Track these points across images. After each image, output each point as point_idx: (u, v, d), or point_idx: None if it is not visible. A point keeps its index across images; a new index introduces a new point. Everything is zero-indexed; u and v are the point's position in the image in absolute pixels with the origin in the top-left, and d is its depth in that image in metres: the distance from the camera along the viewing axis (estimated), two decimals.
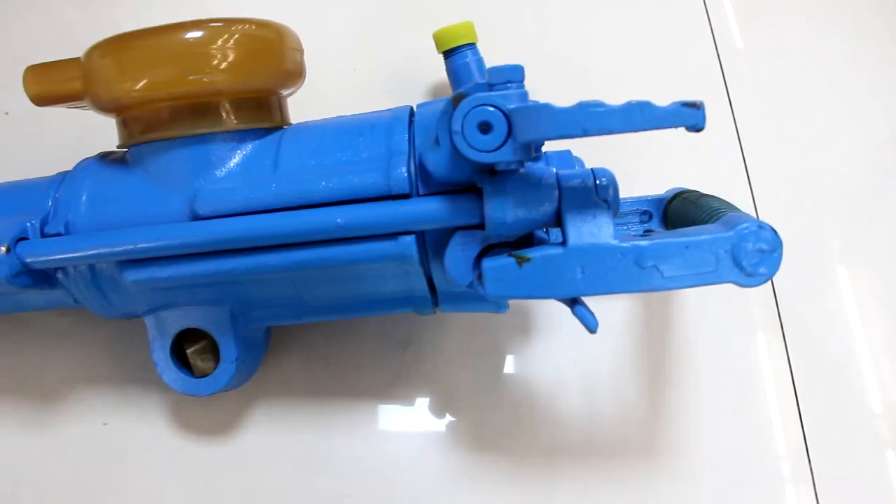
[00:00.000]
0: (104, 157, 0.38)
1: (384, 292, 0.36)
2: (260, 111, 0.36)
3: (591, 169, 0.32)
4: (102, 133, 0.47)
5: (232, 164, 0.35)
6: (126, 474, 0.41)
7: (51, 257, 0.35)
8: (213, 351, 0.38)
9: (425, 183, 0.33)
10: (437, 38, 0.46)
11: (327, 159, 0.34)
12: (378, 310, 0.37)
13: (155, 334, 0.38)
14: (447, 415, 0.40)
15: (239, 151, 0.35)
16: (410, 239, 0.33)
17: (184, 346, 0.38)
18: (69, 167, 0.47)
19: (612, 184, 0.32)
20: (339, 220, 0.32)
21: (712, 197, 0.37)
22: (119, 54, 0.35)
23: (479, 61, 0.45)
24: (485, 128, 0.30)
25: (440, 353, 0.42)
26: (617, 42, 0.50)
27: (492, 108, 0.30)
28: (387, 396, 0.41)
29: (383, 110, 0.37)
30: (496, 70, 0.30)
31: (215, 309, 0.37)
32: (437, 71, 0.49)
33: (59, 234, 0.36)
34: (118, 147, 0.38)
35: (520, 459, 0.40)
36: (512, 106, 0.29)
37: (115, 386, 0.42)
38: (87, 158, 0.39)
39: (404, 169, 0.33)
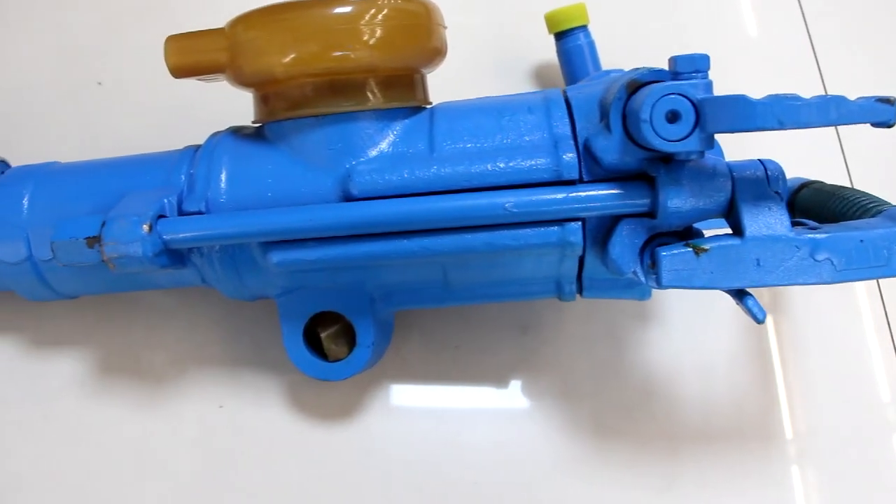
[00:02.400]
0: (238, 133, 0.37)
1: (533, 277, 0.36)
2: (405, 89, 0.36)
3: (759, 160, 0.33)
4: (195, 105, 0.46)
5: (384, 145, 0.35)
6: (243, 458, 0.40)
7: (194, 236, 0.33)
8: (346, 335, 0.37)
9: (589, 169, 0.33)
10: (549, 20, 0.46)
11: (487, 142, 0.34)
12: (521, 294, 0.38)
13: (287, 317, 0.37)
14: (567, 401, 0.41)
15: (389, 131, 0.35)
16: (577, 226, 0.33)
17: (316, 329, 0.37)
18: (162, 138, 0.46)
19: (783, 175, 0.32)
20: (507, 205, 0.32)
21: (850, 189, 0.38)
22: (267, 27, 0.34)
23: (591, 44, 0.45)
24: (673, 117, 0.30)
25: (558, 339, 0.42)
26: (710, 27, 0.50)
27: (681, 98, 0.30)
28: (507, 381, 0.41)
29: (529, 93, 0.37)
30: (684, 59, 0.30)
31: (354, 292, 0.37)
32: (540, 51, 0.48)
33: (199, 213, 0.35)
34: (254, 122, 0.37)
35: (639, 446, 0.40)
36: (701, 96, 0.30)
37: (227, 368, 0.42)
38: (217, 133, 0.38)
39: (573, 154, 0.33)
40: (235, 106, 0.47)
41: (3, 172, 0.44)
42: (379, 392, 0.41)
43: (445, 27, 0.37)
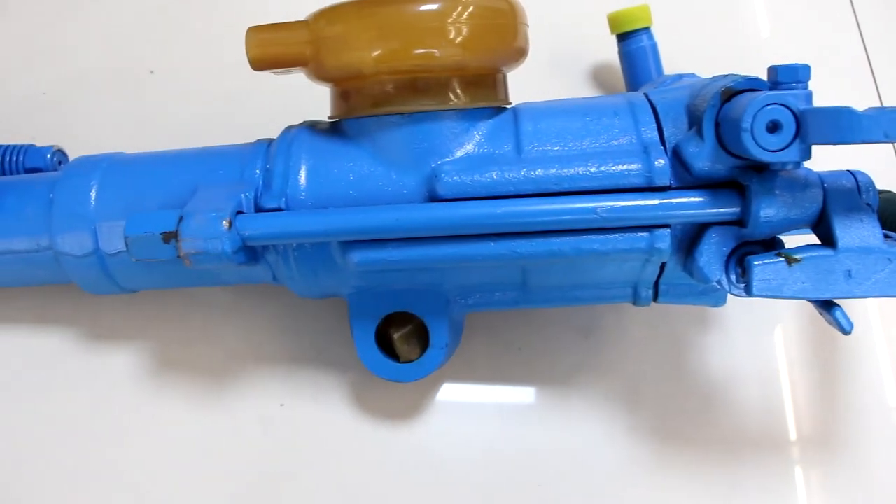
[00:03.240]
0: (313, 128, 0.37)
1: (612, 282, 0.36)
2: (488, 89, 0.35)
3: (848, 171, 0.33)
4: (246, 94, 0.45)
5: (469, 145, 0.34)
6: (305, 458, 0.40)
7: (275, 233, 0.33)
8: (418, 336, 0.37)
9: (677, 175, 0.33)
10: (612, 20, 0.45)
11: (575, 145, 0.34)
12: (597, 299, 0.37)
13: (359, 317, 0.37)
14: (629, 405, 0.41)
15: (475, 131, 0.34)
16: (666, 232, 0.33)
17: (388, 329, 0.37)
18: (213, 127, 0.46)
19: (874, 186, 0.32)
20: (600, 210, 0.32)
21: None
22: (353, 22, 0.33)
23: (654, 46, 0.45)
24: (774, 127, 0.30)
25: (621, 342, 0.42)
26: (764, 30, 0.50)
27: (783, 108, 0.29)
28: (571, 384, 0.41)
29: (610, 95, 0.37)
30: (787, 69, 0.30)
31: (431, 293, 0.36)
32: (597, 51, 0.48)
33: (278, 209, 0.34)
34: (331, 118, 0.36)
35: (701, 451, 0.40)
36: (803, 107, 0.29)
37: (287, 366, 0.41)
38: (292, 128, 0.37)
39: (665, 160, 0.32)
40: (287, 96, 0.47)
41: (60, 162, 0.43)
42: (442, 392, 0.41)
43: (528, 25, 0.36)
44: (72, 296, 0.43)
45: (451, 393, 0.41)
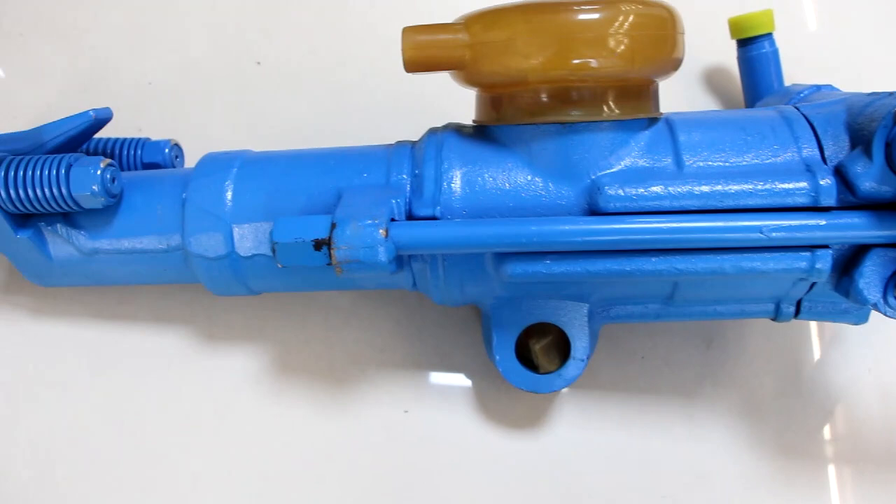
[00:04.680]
0: (460, 132, 0.36)
1: (758, 297, 0.36)
2: (643, 100, 0.35)
3: None
4: (352, 86, 0.45)
5: (628, 158, 0.34)
6: (430, 465, 0.40)
7: (433, 243, 0.32)
8: (557, 347, 0.37)
9: (840, 195, 0.32)
10: (734, 25, 0.45)
11: (736, 160, 0.33)
12: (739, 314, 0.37)
13: (500, 326, 0.36)
14: (750, 418, 0.41)
15: (632, 143, 0.34)
16: (828, 252, 0.33)
17: (528, 340, 0.36)
18: (320, 119, 0.45)
19: None
20: (764, 229, 0.31)
21: None
22: (511, 29, 0.33)
23: (776, 53, 0.45)
24: None
25: (741, 354, 0.42)
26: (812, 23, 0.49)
27: None
28: (693, 395, 0.41)
29: (761, 108, 0.37)
30: None
31: (574, 304, 0.36)
32: (713, 55, 0.47)
33: (432, 218, 0.34)
34: (478, 122, 0.36)
35: (823, 468, 0.40)
36: None
37: (410, 371, 0.41)
38: (436, 131, 0.37)
39: (830, 180, 0.32)
40: (393, 91, 0.46)
41: (177, 157, 0.42)
42: (567, 401, 0.41)
43: (685, 34, 0.35)
44: (188, 295, 0.42)
45: (575, 401, 0.41)
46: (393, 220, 0.33)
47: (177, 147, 0.42)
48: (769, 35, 0.44)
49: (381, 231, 0.32)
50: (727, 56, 0.47)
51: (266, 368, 0.41)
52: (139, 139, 0.42)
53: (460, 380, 0.41)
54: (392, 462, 0.39)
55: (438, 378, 0.41)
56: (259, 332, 0.42)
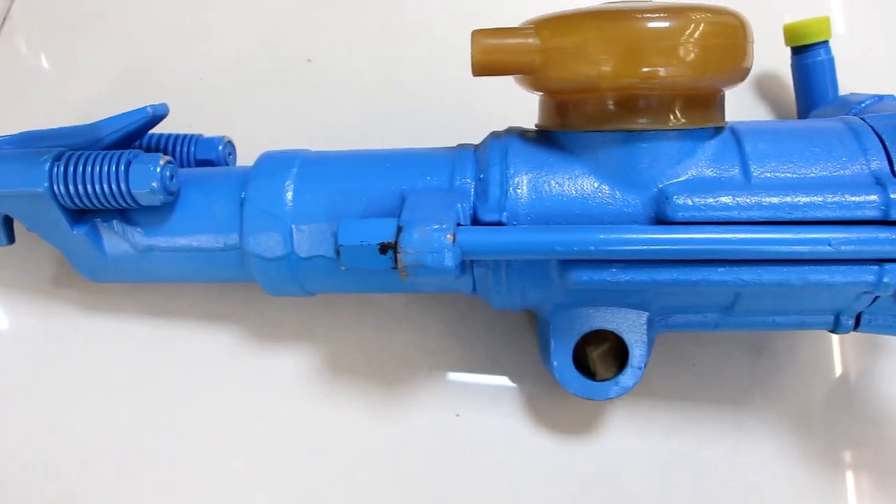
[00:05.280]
0: (523, 136, 0.36)
1: (819, 309, 0.36)
2: (710, 109, 0.35)
3: None
4: (403, 88, 0.46)
5: (695, 167, 0.34)
6: (480, 469, 0.40)
7: (501, 249, 0.32)
8: (614, 355, 0.37)
9: None
10: (789, 32, 0.45)
11: (804, 172, 0.33)
12: (797, 325, 0.37)
13: (559, 333, 0.36)
14: (801, 429, 0.41)
15: (699, 152, 0.34)
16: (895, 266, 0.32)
17: (585, 346, 0.37)
18: (371, 117, 0.45)
19: None
20: (833, 242, 0.31)
21: None
22: (582, 35, 0.33)
23: (831, 61, 0.45)
24: None
25: (791, 365, 0.42)
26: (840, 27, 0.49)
27: None
28: (743, 404, 0.41)
29: (827, 119, 0.36)
30: None
31: (634, 313, 0.36)
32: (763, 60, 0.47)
33: (498, 223, 0.34)
34: (542, 127, 0.36)
35: (874, 481, 0.40)
36: None
37: (461, 375, 0.41)
38: (498, 135, 0.37)
39: None
40: (443, 94, 0.46)
41: (230, 154, 0.42)
42: (620, 407, 0.41)
43: (754, 42, 0.35)
44: (239, 293, 0.42)
45: (625, 408, 0.41)
46: (459, 224, 0.33)
47: (230, 144, 0.42)
48: (825, 43, 0.44)
49: (448, 236, 0.32)
50: (779, 63, 0.47)
51: (317, 369, 0.41)
52: (192, 136, 0.41)
53: (510, 384, 0.41)
54: (442, 465, 0.40)
55: (489, 382, 0.41)
56: (310, 332, 0.42)
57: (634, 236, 0.32)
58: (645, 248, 0.32)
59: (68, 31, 0.47)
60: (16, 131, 0.40)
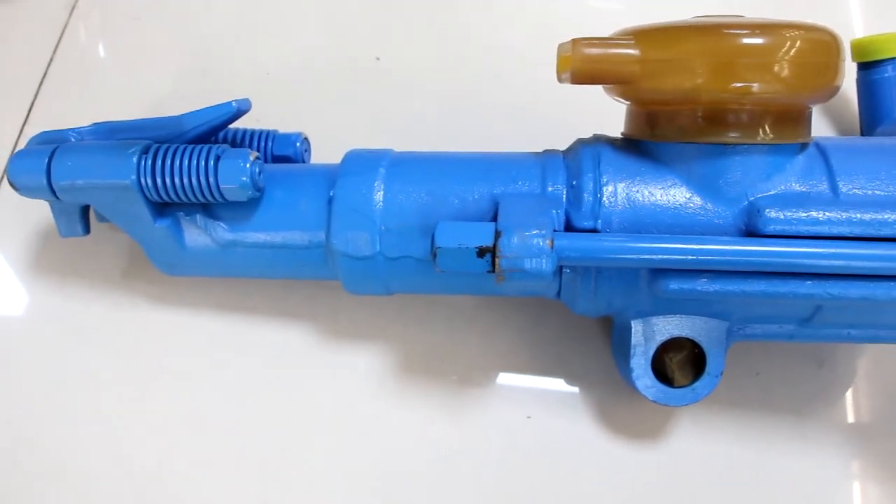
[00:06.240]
0: (613, 145, 0.37)
1: (890, 323, 0.37)
2: (797, 125, 0.36)
3: None
4: (471, 91, 0.46)
5: (784, 182, 0.35)
6: (551, 472, 0.41)
7: (598, 256, 0.33)
8: (691, 362, 0.38)
9: None
10: (857, 47, 0.46)
11: (893, 190, 0.34)
12: (872, 338, 0.39)
13: (640, 339, 0.37)
14: (862, 440, 0.42)
15: (788, 167, 0.35)
16: None
17: (663, 353, 0.38)
18: (439, 116, 0.45)
19: None
20: None
21: None
22: (685, 48, 0.33)
23: None
24: None
25: (852, 376, 0.43)
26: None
27: None
28: (806, 414, 0.42)
29: None
30: None
31: (715, 322, 0.37)
32: None
33: (593, 230, 0.34)
34: (630, 136, 0.37)
35: None
36: None
37: (532, 377, 0.42)
38: (586, 142, 0.38)
39: None
40: (510, 97, 0.47)
41: (306, 151, 0.43)
42: (683, 414, 0.42)
43: (845, 60, 0.36)
44: (312, 290, 0.43)
45: (691, 414, 0.42)
46: (555, 230, 0.34)
47: (306, 141, 0.43)
48: (893, 59, 0.46)
49: (547, 241, 0.33)
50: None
51: (389, 368, 0.42)
52: (269, 131, 0.42)
53: (581, 388, 0.42)
54: (514, 467, 0.40)
55: (560, 385, 0.42)
56: (382, 331, 0.42)
57: (731, 248, 0.33)
58: (740, 259, 0.33)
59: (135, 22, 0.47)
60: (83, 123, 0.40)
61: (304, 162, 0.43)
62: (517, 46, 0.48)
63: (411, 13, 0.48)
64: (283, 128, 0.43)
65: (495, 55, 0.47)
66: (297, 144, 0.42)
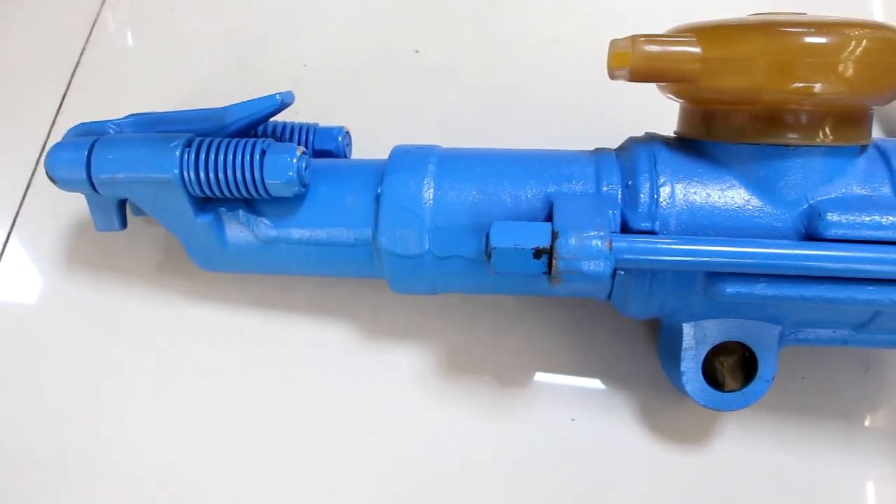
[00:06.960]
0: (667, 144, 0.37)
1: None
2: (858, 127, 0.35)
3: None
4: (511, 85, 0.45)
5: (845, 184, 0.35)
6: (595, 475, 0.40)
7: (656, 259, 0.33)
8: (742, 366, 0.37)
9: None
10: None
11: None
12: None
13: (691, 342, 0.37)
14: None
15: (849, 170, 0.35)
16: None
17: (714, 357, 0.37)
18: (479, 108, 0.45)
19: None
20: None
21: None
22: (749, 47, 0.33)
23: None
24: None
25: None
26: None
27: None
28: (854, 419, 0.42)
29: None
30: None
31: (768, 326, 0.37)
32: None
33: (650, 232, 0.34)
34: (685, 136, 0.36)
35: None
36: None
37: (576, 379, 0.41)
38: (639, 141, 0.37)
39: None
40: (550, 94, 0.47)
41: (348, 145, 0.42)
42: (728, 417, 0.42)
43: None
44: (352, 288, 0.42)
45: (737, 418, 0.42)
46: (612, 232, 0.33)
47: (348, 135, 0.42)
48: None
49: (605, 243, 0.32)
50: None
51: (431, 368, 0.41)
52: (310, 125, 0.41)
53: (626, 390, 0.41)
54: (557, 470, 0.40)
55: (604, 387, 0.41)
56: (423, 330, 0.42)
57: (793, 251, 0.32)
58: (801, 263, 0.32)
59: (170, 12, 0.46)
60: (117, 114, 0.40)
61: (345, 156, 0.42)
62: (558, 40, 0.48)
63: (452, 4, 0.47)
64: (320, 120, 0.42)
65: (537, 49, 0.46)
66: (339, 139, 0.41)
